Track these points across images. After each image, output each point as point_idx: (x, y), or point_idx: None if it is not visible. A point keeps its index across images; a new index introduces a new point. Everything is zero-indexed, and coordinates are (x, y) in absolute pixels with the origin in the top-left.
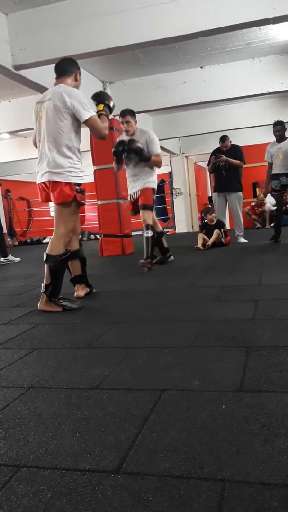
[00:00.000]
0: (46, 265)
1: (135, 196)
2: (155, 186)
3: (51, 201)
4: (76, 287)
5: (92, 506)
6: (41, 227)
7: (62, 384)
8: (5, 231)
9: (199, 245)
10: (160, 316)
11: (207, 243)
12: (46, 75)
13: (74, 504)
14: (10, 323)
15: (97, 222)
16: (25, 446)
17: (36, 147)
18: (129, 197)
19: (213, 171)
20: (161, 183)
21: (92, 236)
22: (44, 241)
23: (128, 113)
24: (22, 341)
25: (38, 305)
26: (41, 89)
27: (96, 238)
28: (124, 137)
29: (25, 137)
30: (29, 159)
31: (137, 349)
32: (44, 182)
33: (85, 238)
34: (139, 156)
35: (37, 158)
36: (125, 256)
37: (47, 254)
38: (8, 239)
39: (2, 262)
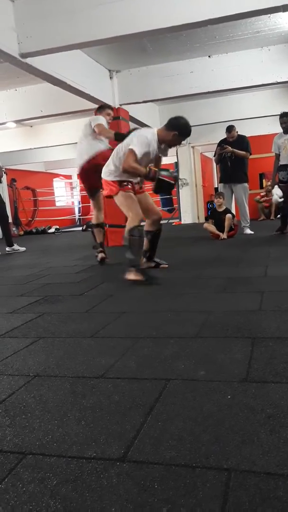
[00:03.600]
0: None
1: None
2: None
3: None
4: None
5: (97, 493)
6: (46, 217)
7: (67, 372)
8: (10, 220)
9: (215, 230)
10: (165, 307)
11: (222, 237)
12: (52, 63)
13: (79, 491)
14: (16, 312)
15: None
16: (30, 434)
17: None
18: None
19: (219, 162)
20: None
21: None
22: (50, 231)
23: None
24: (27, 330)
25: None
26: (47, 77)
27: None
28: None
29: (31, 126)
30: (34, 148)
31: (143, 339)
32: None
33: (89, 229)
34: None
35: (42, 147)
36: None
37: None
38: (14, 229)
39: (8, 251)
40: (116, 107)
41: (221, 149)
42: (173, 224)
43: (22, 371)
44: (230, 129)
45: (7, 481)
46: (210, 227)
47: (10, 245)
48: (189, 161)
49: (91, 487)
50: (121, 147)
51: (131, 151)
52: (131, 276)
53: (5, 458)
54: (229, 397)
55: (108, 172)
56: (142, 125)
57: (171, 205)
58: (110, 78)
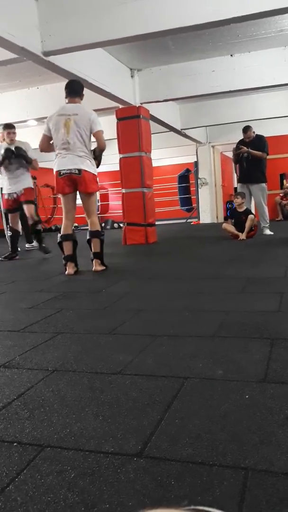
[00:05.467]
0: (97, 238)
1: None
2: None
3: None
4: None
5: (114, 487)
6: None
7: (85, 368)
8: None
9: (234, 231)
10: (183, 306)
11: (241, 237)
12: (74, 61)
13: (97, 484)
14: (35, 307)
15: (120, 211)
16: (49, 427)
17: (47, 151)
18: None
19: (237, 162)
20: (186, 172)
21: (116, 225)
22: None
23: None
24: (46, 325)
25: (94, 268)
26: (69, 75)
27: (120, 227)
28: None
29: None
30: None
31: (160, 337)
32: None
33: (108, 227)
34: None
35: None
36: (149, 245)
37: (99, 231)
38: None
39: (27, 248)
40: (137, 105)
41: (236, 149)
42: (191, 223)
43: (41, 365)
44: (246, 129)
45: (26, 473)
46: (229, 227)
47: (30, 241)
48: (209, 161)
49: (108, 481)
50: (78, 131)
51: (102, 132)
52: (99, 267)
53: (24, 450)
54: (247, 397)
55: (90, 163)
56: (163, 124)
57: (189, 204)
58: (132, 76)
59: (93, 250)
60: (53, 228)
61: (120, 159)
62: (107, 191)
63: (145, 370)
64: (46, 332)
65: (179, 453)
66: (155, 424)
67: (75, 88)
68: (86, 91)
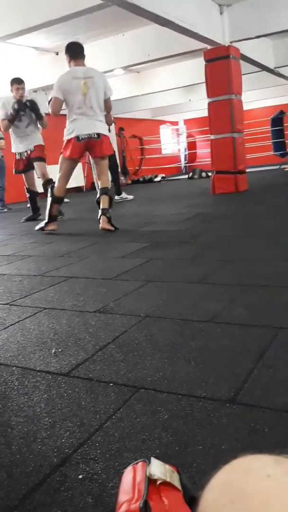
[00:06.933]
0: (106, 195)
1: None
2: None
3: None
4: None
5: (207, 430)
6: (152, 165)
7: (176, 315)
8: (119, 169)
9: None
10: (276, 256)
11: None
12: (160, 2)
13: (190, 427)
14: (126, 257)
15: (209, 159)
16: (142, 370)
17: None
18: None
19: None
20: (280, 114)
21: (204, 174)
22: (156, 179)
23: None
24: (137, 274)
25: (101, 226)
26: (155, 18)
27: (208, 176)
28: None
29: (138, 72)
30: (141, 95)
31: (252, 286)
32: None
33: (196, 176)
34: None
35: (149, 93)
36: (239, 194)
37: (108, 188)
38: (122, 178)
39: (116, 200)
40: (227, 45)
41: None
42: (285, 170)
43: (133, 311)
44: None
45: (122, 411)
46: None
47: (119, 193)
48: None
49: (202, 424)
50: (95, 94)
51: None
52: (106, 225)
53: (120, 390)
54: None
55: (105, 126)
56: (254, 63)
57: (284, 149)
58: (221, 13)
59: (101, 207)
60: (141, 179)
61: (209, 103)
62: (195, 139)
63: (237, 319)
64: (137, 280)
65: (273, 401)
66: (247, 372)
67: (78, 50)
68: (172, 34)
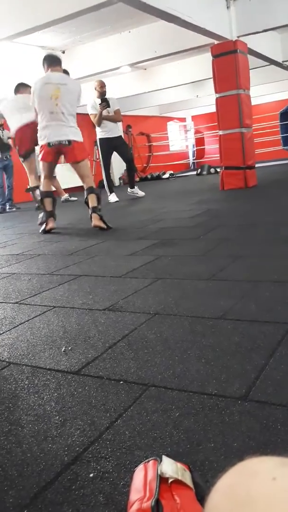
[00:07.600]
0: (93, 194)
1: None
2: None
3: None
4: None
5: (219, 428)
6: (160, 162)
7: (186, 312)
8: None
9: None
10: (286, 251)
11: None
12: (170, 0)
13: (201, 424)
14: (135, 254)
15: (217, 155)
16: (153, 368)
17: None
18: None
19: None
20: None
21: (212, 170)
22: (164, 176)
23: None
24: (146, 271)
25: (93, 223)
26: (162, 14)
27: (216, 172)
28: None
29: (145, 69)
30: (149, 91)
31: (263, 282)
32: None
33: (204, 172)
34: None
35: (156, 90)
36: (248, 189)
37: (94, 187)
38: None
39: (129, 192)
40: (234, 39)
41: None
42: None
43: (143, 308)
44: None
45: (133, 409)
46: None
47: (132, 187)
48: None
49: (213, 422)
50: (67, 101)
51: None
52: (98, 222)
53: (130, 388)
54: None
55: (77, 131)
56: (262, 57)
57: None
58: (227, 7)
59: (90, 205)
60: (149, 177)
61: (217, 99)
62: (203, 135)
63: (248, 316)
64: (146, 278)
65: (285, 398)
66: (259, 368)
67: (55, 59)
68: (178, 30)
